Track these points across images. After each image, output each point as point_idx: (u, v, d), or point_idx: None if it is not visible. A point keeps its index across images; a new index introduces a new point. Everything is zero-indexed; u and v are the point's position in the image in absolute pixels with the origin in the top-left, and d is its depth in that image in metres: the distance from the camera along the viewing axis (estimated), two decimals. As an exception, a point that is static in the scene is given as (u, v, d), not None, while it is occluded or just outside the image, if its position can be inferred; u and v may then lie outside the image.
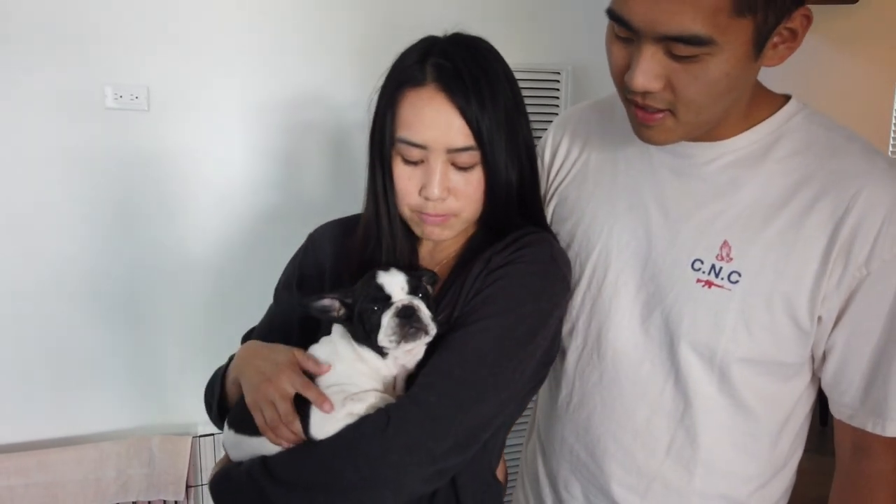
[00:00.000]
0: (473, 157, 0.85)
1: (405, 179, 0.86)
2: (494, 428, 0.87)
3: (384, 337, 0.80)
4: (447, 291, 0.90)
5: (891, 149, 4.43)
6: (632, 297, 0.90)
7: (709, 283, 0.84)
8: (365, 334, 0.81)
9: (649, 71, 0.74)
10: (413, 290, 0.81)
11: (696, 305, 0.85)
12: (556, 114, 2.15)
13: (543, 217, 0.99)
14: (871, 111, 4.55)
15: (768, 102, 0.87)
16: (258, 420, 0.83)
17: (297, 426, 0.81)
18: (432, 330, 0.80)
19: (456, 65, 0.84)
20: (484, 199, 0.89)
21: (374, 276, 0.82)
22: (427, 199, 0.85)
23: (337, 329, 0.88)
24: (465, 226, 0.91)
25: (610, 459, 0.94)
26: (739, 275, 0.83)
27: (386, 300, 0.80)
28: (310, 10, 2.01)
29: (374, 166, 0.90)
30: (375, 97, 0.90)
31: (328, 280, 1.00)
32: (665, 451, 0.91)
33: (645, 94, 0.77)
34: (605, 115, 1.00)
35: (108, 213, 1.94)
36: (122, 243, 1.96)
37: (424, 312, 0.80)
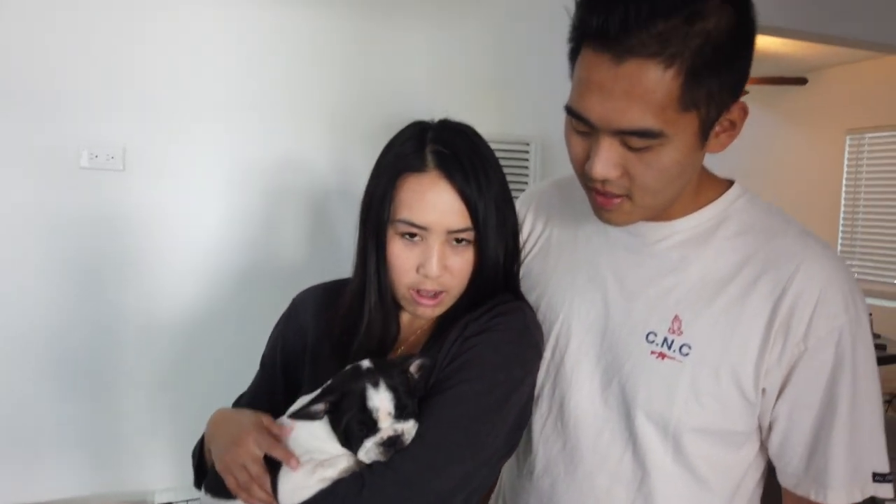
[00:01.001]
0: (469, 236, 0.90)
1: (403, 258, 0.89)
2: (468, 492, 0.87)
3: (363, 455, 0.81)
4: (424, 356, 0.92)
5: (842, 216, 4.64)
6: (592, 366, 0.93)
7: (662, 355, 0.87)
8: (346, 441, 0.82)
9: (607, 161, 0.79)
10: (400, 413, 0.81)
11: (651, 376, 0.88)
12: (526, 182, 2.25)
13: (519, 287, 1.03)
14: (821, 182, 4.79)
15: (714, 186, 0.93)
16: (230, 483, 0.83)
17: (268, 485, 0.81)
18: (412, 436, 0.82)
19: (455, 151, 0.89)
20: (472, 276, 0.93)
21: (364, 395, 0.81)
22: (426, 276, 0.88)
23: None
24: (453, 301, 0.94)
25: None
26: (690, 347, 0.86)
27: (373, 425, 0.80)
28: (288, 77, 2.08)
29: (367, 244, 0.92)
30: (367, 177, 0.95)
31: (310, 349, 1.00)
32: None
33: (604, 181, 0.82)
34: (565, 193, 1.06)
35: (77, 274, 1.92)
36: (87, 306, 1.94)
37: (407, 436, 0.81)
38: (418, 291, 0.90)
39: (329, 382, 0.85)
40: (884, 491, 0.85)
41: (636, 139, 0.77)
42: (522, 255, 1.06)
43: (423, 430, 0.82)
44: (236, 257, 2.06)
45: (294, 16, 2.06)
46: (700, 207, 0.91)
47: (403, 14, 2.17)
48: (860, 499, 0.85)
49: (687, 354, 0.86)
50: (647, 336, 0.89)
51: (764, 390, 0.85)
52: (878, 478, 0.84)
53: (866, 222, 4.53)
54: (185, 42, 1.98)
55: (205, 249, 2.03)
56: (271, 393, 1.02)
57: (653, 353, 0.88)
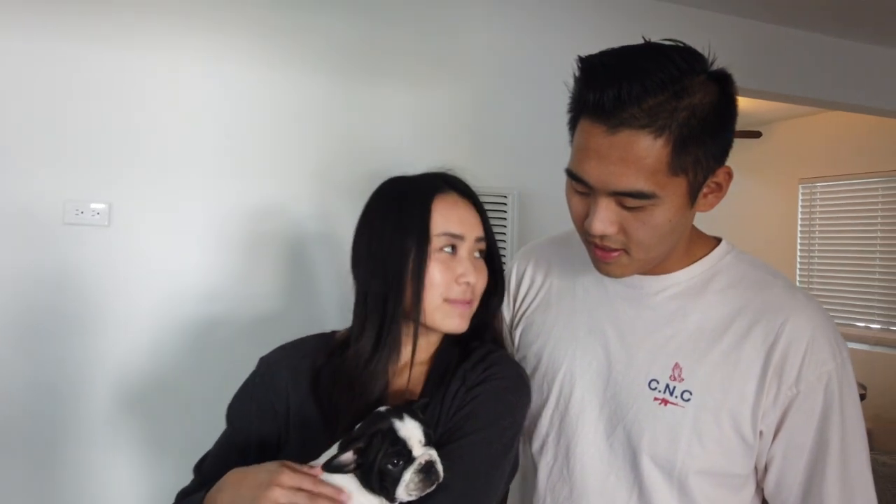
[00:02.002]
0: (483, 248, 1.01)
1: (446, 271, 0.96)
2: None
3: (404, 491, 0.81)
4: (426, 407, 0.96)
5: (798, 262, 4.82)
6: (596, 414, 0.98)
7: (664, 401, 0.93)
8: (381, 486, 0.82)
9: (605, 219, 0.87)
10: (428, 441, 0.83)
11: (655, 422, 0.93)
12: (504, 234, 2.33)
13: (501, 334, 1.10)
14: (778, 229, 4.99)
15: (703, 243, 1.01)
16: None
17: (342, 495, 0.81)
18: (442, 476, 0.85)
19: (457, 180, 1.02)
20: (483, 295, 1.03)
21: (392, 429, 0.82)
22: (467, 283, 0.97)
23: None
24: (470, 318, 1.01)
25: None
26: (691, 393, 0.92)
27: (408, 456, 0.82)
28: (274, 135, 2.14)
29: (395, 278, 0.95)
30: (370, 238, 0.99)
31: (293, 411, 1.00)
32: None
33: (602, 237, 0.89)
34: (562, 248, 1.13)
35: (49, 331, 1.92)
36: (63, 362, 1.91)
37: (439, 464, 0.83)
38: (455, 301, 0.97)
39: (351, 433, 0.85)
40: None
41: (630, 199, 0.84)
42: (526, 307, 1.13)
43: (449, 481, 0.86)
44: (217, 309, 2.07)
45: (279, 75, 2.13)
46: (692, 262, 0.98)
47: (384, 73, 2.26)
48: None
49: (688, 400, 0.92)
50: (650, 383, 0.94)
51: (761, 433, 0.91)
52: None
53: (821, 266, 4.72)
54: (171, 98, 2.02)
55: (186, 301, 2.04)
56: (242, 454, 1.00)
57: (655, 399, 0.93)
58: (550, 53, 2.44)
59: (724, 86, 0.85)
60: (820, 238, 4.74)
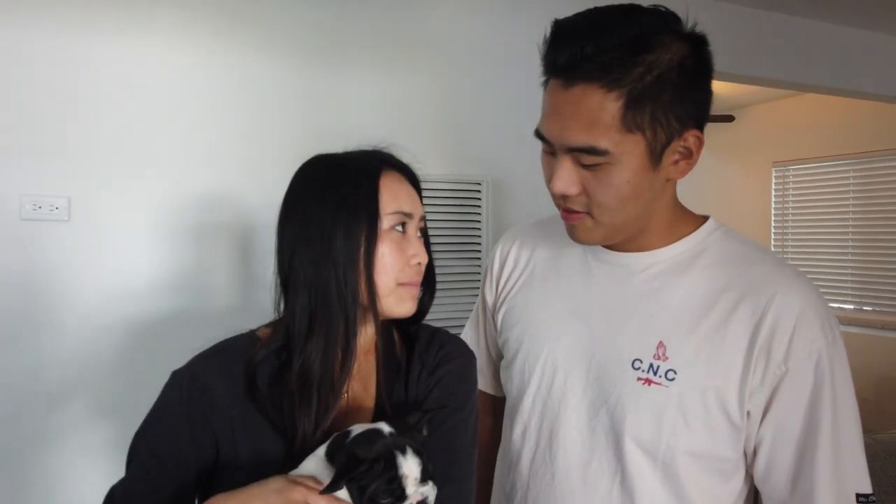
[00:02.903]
0: (423, 226, 0.97)
1: (397, 251, 0.89)
2: None
3: None
4: (390, 395, 0.92)
5: (773, 246, 4.87)
6: (579, 397, 0.96)
7: (648, 381, 0.90)
8: None
9: (565, 177, 0.87)
10: (424, 477, 0.80)
11: (638, 402, 0.90)
12: (479, 221, 2.29)
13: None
14: (752, 212, 5.03)
15: (690, 220, 0.99)
16: None
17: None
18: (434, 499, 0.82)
19: (397, 160, 0.97)
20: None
21: (393, 463, 0.78)
22: (419, 264, 0.92)
23: (313, 466, 0.82)
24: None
25: None
26: (675, 372, 0.89)
27: (400, 494, 0.78)
28: (236, 124, 2.09)
29: (346, 266, 0.86)
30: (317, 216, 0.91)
31: (238, 425, 0.88)
32: None
33: (565, 197, 0.89)
34: (546, 231, 1.12)
35: (6, 328, 1.85)
36: (21, 361, 1.86)
37: (430, 498, 0.80)
38: (407, 284, 0.92)
39: (350, 448, 0.80)
40: None
41: (585, 156, 0.85)
42: (508, 290, 1.11)
43: (445, 469, 0.85)
44: (182, 302, 2.02)
45: (243, 63, 2.08)
46: (678, 239, 0.96)
47: (350, 59, 2.21)
48: None
49: (673, 379, 0.89)
50: (633, 363, 0.92)
51: (749, 413, 0.88)
52: (861, 499, 0.87)
53: (795, 249, 4.78)
54: (129, 87, 1.96)
55: (149, 296, 1.99)
56: (179, 486, 0.86)
57: (639, 379, 0.91)
58: (524, 38, 2.40)
59: (695, 48, 0.85)
60: (793, 221, 4.79)
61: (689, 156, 0.89)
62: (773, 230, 4.90)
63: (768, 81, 3.14)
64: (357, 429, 0.82)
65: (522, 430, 1.01)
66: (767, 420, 0.88)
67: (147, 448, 0.88)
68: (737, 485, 0.94)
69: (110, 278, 1.94)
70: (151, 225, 1.98)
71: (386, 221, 0.89)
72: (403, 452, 0.79)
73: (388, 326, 0.98)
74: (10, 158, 1.83)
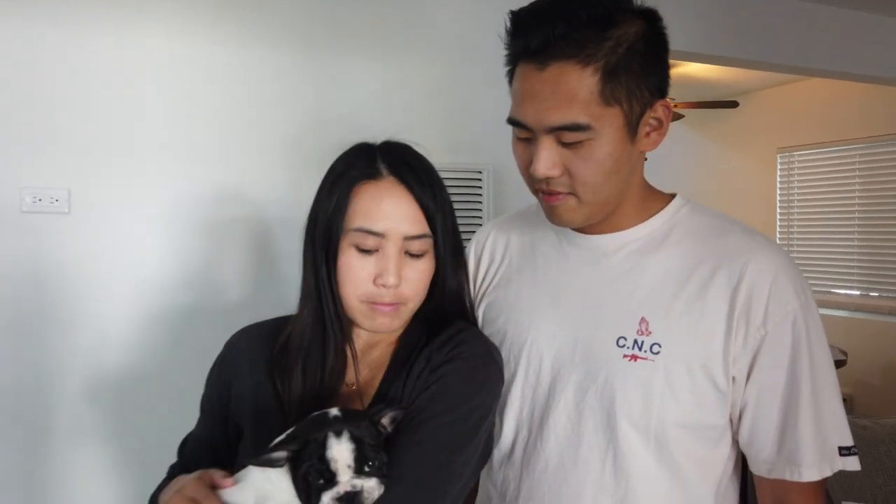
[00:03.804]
0: (426, 244, 0.90)
1: (359, 269, 0.88)
2: None
3: None
4: (388, 389, 0.92)
5: (778, 233, 4.85)
6: (565, 382, 0.96)
7: (634, 357, 0.91)
8: (304, 493, 0.79)
9: (547, 159, 0.87)
10: (360, 468, 0.78)
11: (626, 379, 0.91)
12: (480, 209, 2.28)
13: (473, 312, 1.05)
14: (757, 199, 5.00)
15: (658, 199, 1.01)
16: None
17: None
18: (378, 494, 0.79)
19: (405, 160, 0.91)
20: (428, 293, 0.94)
21: (325, 445, 0.78)
22: (383, 286, 0.87)
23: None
24: (409, 316, 0.94)
25: None
26: (660, 346, 0.91)
27: (331, 478, 0.77)
28: (236, 114, 2.08)
29: (317, 264, 0.90)
30: (311, 202, 0.93)
31: (249, 393, 0.97)
32: None
33: (548, 180, 0.89)
34: (520, 223, 1.13)
35: (9, 323, 1.86)
36: (27, 354, 1.87)
37: (369, 494, 0.78)
38: (373, 303, 0.89)
39: (293, 429, 0.82)
40: (851, 464, 0.91)
41: (568, 133, 0.85)
42: (487, 285, 1.10)
43: (402, 469, 0.81)
44: (185, 297, 2.02)
45: (240, 54, 2.07)
46: (648, 217, 0.98)
47: (351, 48, 2.20)
48: (830, 473, 0.90)
49: (658, 353, 0.91)
50: (618, 341, 0.93)
51: (734, 378, 0.90)
52: (843, 451, 0.90)
53: (801, 235, 4.75)
54: (129, 79, 1.95)
55: (150, 289, 1.99)
56: (211, 439, 0.99)
57: (625, 356, 0.92)
58: (523, 24, 2.38)
59: (650, 20, 0.88)
60: (799, 207, 4.77)
61: (660, 126, 0.91)
62: (778, 216, 4.88)
63: (772, 66, 3.11)
64: (316, 413, 0.83)
65: (513, 421, 1.01)
66: (751, 383, 0.90)
67: (201, 402, 1.04)
68: (724, 450, 0.95)
69: (112, 270, 1.94)
70: (152, 217, 1.99)
71: (348, 237, 0.88)
72: (338, 436, 0.78)
73: (422, 319, 0.96)
74: (9, 150, 1.84)
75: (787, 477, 0.90)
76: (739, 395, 0.91)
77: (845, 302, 4.42)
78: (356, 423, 0.80)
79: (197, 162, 2.03)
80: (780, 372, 0.89)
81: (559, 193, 0.91)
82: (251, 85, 2.09)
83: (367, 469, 0.78)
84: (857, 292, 4.41)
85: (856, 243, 4.40)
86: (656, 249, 0.96)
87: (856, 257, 4.41)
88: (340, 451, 0.77)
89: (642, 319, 0.92)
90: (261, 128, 2.10)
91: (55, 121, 1.88)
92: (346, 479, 0.77)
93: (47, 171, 1.87)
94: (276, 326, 0.99)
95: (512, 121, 0.90)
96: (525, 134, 0.90)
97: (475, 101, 2.36)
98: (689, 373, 0.90)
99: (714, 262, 0.92)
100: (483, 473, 1.04)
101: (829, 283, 4.53)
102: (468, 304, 1.02)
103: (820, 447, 0.89)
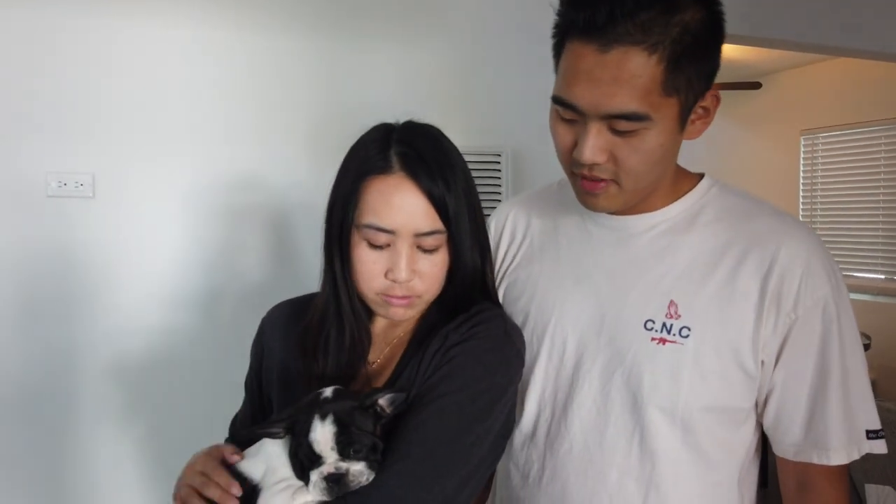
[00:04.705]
0: (439, 239, 0.88)
1: (370, 263, 0.88)
2: None
3: (312, 489, 0.79)
4: (405, 368, 0.92)
5: (801, 215, 4.77)
6: (591, 363, 0.95)
7: (662, 340, 0.90)
8: (297, 470, 0.80)
9: (596, 146, 0.84)
10: (344, 451, 0.78)
11: (654, 362, 0.90)
12: (499, 192, 2.28)
13: (496, 294, 1.03)
14: (780, 181, 4.93)
15: (687, 179, 0.99)
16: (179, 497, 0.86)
17: (228, 478, 0.83)
18: (367, 479, 0.80)
19: (419, 151, 0.87)
20: (447, 279, 0.93)
21: (309, 428, 0.78)
22: (395, 281, 0.87)
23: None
24: (426, 305, 0.94)
25: None
26: (689, 329, 0.89)
27: (316, 459, 0.78)
28: (257, 99, 2.09)
29: (332, 252, 0.91)
30: (331, 186, 0.93)
31: (278, 369, 1.00)
32: None
33: (592, 166, 0.86)
34: (541, 201, 1.10)
35: (41, 304, 1.89)
36: (52, 337, 1.90)
37: (354, 477, 0.78)
38: (387, 295, 0.89)
39: (292, 406, 0.84)
40: (878, 447, 0.91)
41: (623, 122, 0.81)
42: (507, 265, 1.08)
43: (407, 447, 0.81)
44: (207, 280, 2.05)
45: (261, 38, 2.07)
46: (677, 198, 0.96)
47: (371, 32, 2.20)
48: (857, 456, 0.90)
49: (687, 336, 0.89)
50: (646, 324, 0.91)
51: (763, 362, 0.90)
52: (871, 435, 0.90)
53: (824, 218, 4.68)
54: (152, 65, 1.97)
55: (176, 273, 2.01)
56: (254, 416, 1.03)
57: (653, 339, 0.91)
58: (545, 7, 2.35)
59: (711, 5, 0.84)
60: (822, 189, 4.68)
61: (706, 115, 0.89)
62: (801, 199, 4.80)
63: (796, 45, 3.04)
64: (314, 392, 0.85)
65: (535, 402, 1.00)
66: (780, 367, 0.90)
67: (245, 379, 1.08)
68: (748, 432, 0.95)
69: (135, 254, 1.97)
70: (175, 201, 2.01)
71: (360, 232, 0.88)
72: (322, 419, 0.78)
73: (446, 300, 0.95)
74: (35, 136, 1.86)
75: (815, 460, 0.89)
76: (767, 379, 0.91)
77: (869, 286, 4.35)
78: (345, 405, 0.80)
79: (219, 147, 2.04)
80: (810, 357, 0.89)
81: (602, 181, 0.87)
82: (273, 70, 2.09)
83: (352, 453, 0.78)
84: (882, 276, 4.33)
85: (880, 227, 4.32)
86: (685, 231, 0.94)
87: (880, 241, 4.33)
88: (324, 434, 0.78)
89: (671, 303, 0.91)
90: (283, 112, 2.11)
91: (80, 106, 1.90)
92: (331, 461, 0.78)
93: (72, 156, 1.90)
94: (307, 303, 1.00)
95: (560, 100, 0.85)
96: (571, 115, 0.85)
97: (495, 83, 2.35)
98: (718, 357, 0.89)
99: (744, 245, 0.91)
100: (507, 455, 1.03)
101: (853, 266, 4.46)
102: (491, 286, 1.00)
103: (848, 431, 0.88)
